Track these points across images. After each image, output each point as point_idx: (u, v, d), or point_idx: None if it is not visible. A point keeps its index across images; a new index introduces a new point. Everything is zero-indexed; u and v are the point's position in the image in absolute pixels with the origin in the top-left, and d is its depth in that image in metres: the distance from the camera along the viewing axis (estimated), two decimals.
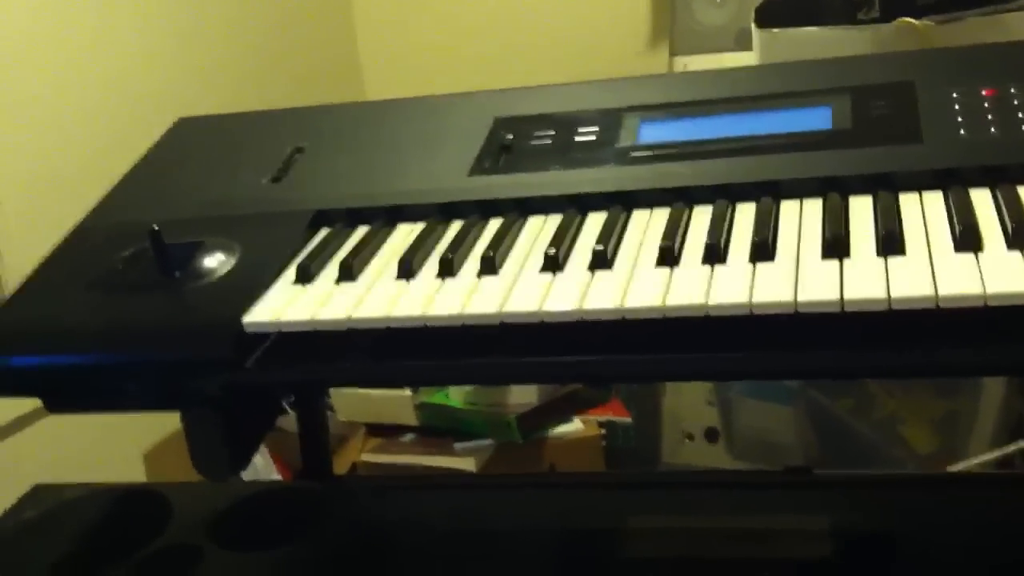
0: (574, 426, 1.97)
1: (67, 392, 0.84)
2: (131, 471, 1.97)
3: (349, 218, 0.90)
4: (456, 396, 1.93)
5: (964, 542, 0.92)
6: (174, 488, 1.12)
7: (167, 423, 1.81)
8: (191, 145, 1.06)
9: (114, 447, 1.91)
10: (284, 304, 0.79)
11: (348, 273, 0.81)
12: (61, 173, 1.82)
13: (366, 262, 0.83)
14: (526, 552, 0.99)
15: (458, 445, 1.92)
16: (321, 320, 0.76)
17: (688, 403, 2.13)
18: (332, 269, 0.83)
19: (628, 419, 2.01)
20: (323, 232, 0.89)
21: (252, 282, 0.82)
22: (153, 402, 0.83)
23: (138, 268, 0.86)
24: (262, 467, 1.84)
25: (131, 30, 2.03)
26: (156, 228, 0.83)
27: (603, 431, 1.98)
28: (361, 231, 0.89)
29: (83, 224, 0.96)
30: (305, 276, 0.82)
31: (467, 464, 1.87)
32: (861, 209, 0.77)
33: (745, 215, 0.79)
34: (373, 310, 0.76)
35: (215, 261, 0.85)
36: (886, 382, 1.86)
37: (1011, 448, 1.67)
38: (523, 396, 1.91)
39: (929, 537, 0.93)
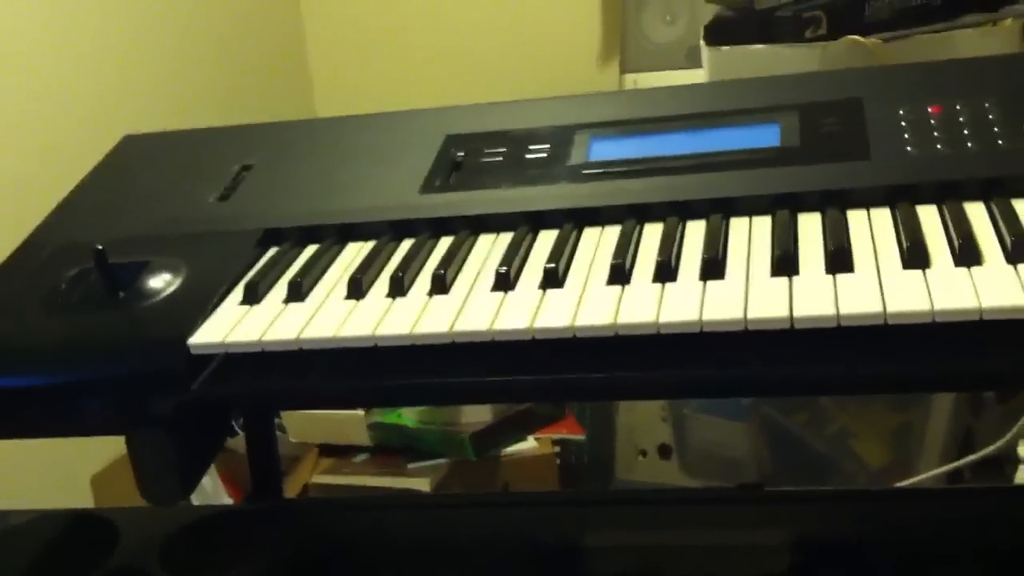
0: (528, 444, 1.96)
1: (9, 417, 0.82)
2: (78, 495, 1.94)
3: (298, 237, 0.89)
4: (409, 415, 1.92)
5: (916, 555, 0.92)
6: (122, 513, 1.10)
7: (115, 445, 1.78)
8: (137, 162, 1.05)
9: (60, 470, 1.87)
10: (231, 325, 0.77)
11: (297, 292, 0.80)
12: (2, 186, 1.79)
13: (315, 281, 0.82)
14: (482, 572, 0.98)
15: (411, 465, 1.91)
16: (269, 341, 0.75)
17: (642, 419, 2.13)
18: (280, 289, 0.82)
19: (582, 436, 2.01)
20: (272, 251, 0.88)
21: (199, 302, 0.80)
22: (97, 426, 0.81)
23: (83, 288, 0.84)
24: (211, 490, 1.82)
25: (78, 45, 2.00)
26: (100, 248, 0.82)
27: (557, 448, 1.98)
28: (310, 250, 0.88)
29: (27, 243, 0.94)
30: (253, 296, 0.81)
31: (421, 484, 1.86)
32: (810, 226, 0.77)
33: (695, 232, 0.79)
34: (322, 330, 0.75)
35: (161, 281, 0.83)
36: (838, 397, 1.88)
37: (960, 462, 1.68)
38: (476, 414, 1.90)
39: (881, 551, 0.93)
